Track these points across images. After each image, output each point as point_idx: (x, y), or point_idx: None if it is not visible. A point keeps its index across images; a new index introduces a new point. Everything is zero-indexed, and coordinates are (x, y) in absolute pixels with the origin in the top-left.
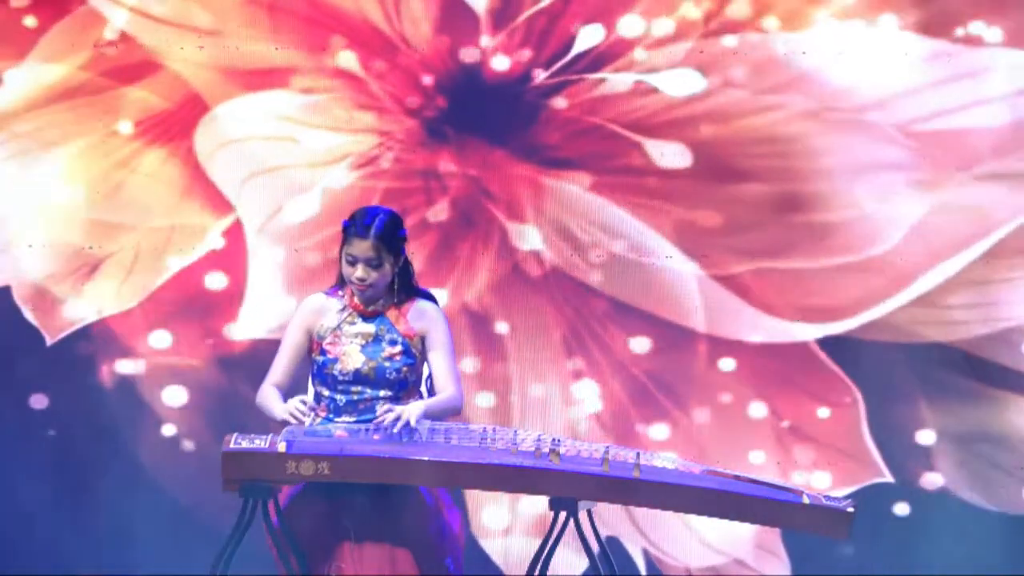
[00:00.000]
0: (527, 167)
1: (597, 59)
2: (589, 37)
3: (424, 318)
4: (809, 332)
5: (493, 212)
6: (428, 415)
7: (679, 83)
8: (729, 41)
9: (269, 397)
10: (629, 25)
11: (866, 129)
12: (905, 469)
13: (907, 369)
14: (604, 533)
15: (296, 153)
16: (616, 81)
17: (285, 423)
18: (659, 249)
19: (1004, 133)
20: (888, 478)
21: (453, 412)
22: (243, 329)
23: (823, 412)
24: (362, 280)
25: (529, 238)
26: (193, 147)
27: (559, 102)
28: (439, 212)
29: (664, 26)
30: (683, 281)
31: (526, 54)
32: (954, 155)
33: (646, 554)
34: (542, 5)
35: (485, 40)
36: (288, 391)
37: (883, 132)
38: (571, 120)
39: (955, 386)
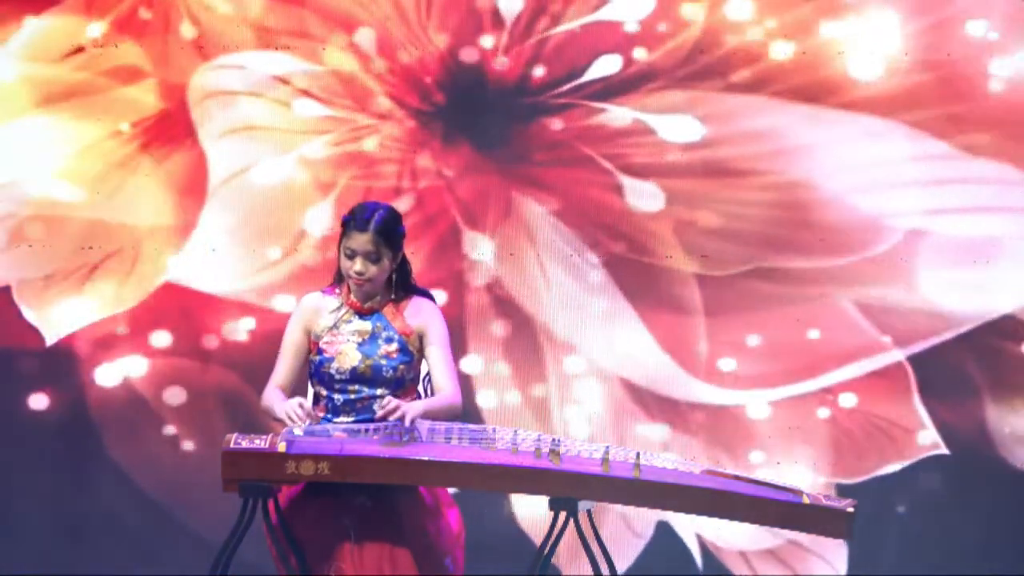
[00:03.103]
0: (503, 177)
1: (605, 89)
2: (604, 66)
3: (421, 315)
4: (814, 333)
5: (454, 214)
6: (427, 415)
7: (677, 128)
8: (739, 100)
9: (272, 398)
10: (644, 62)
11: (865, 128)
12: (960, 440)
13: (957, 344)
14: (655, 518)
15: (282, 117)
16: (616, 114)
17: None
18: (659, 249)
19: (976, 244)
20: (943, 450)
21: (454, 413)
22: (178, 271)
23: (872, 388)
24: (360, 274)
25: (481, 246)
26: (197, 137)
27: (555, 122)
28: (401, 205)
29: (678, 69)
30: (683, 281)
31: (537, 69)
32: (920, 255)
33: (699, 538)
34: (567, 26)
35: (501, 48)
36: (292, 391)
37: (882, 133)
38: (560, 142)
39: (1007, 353)
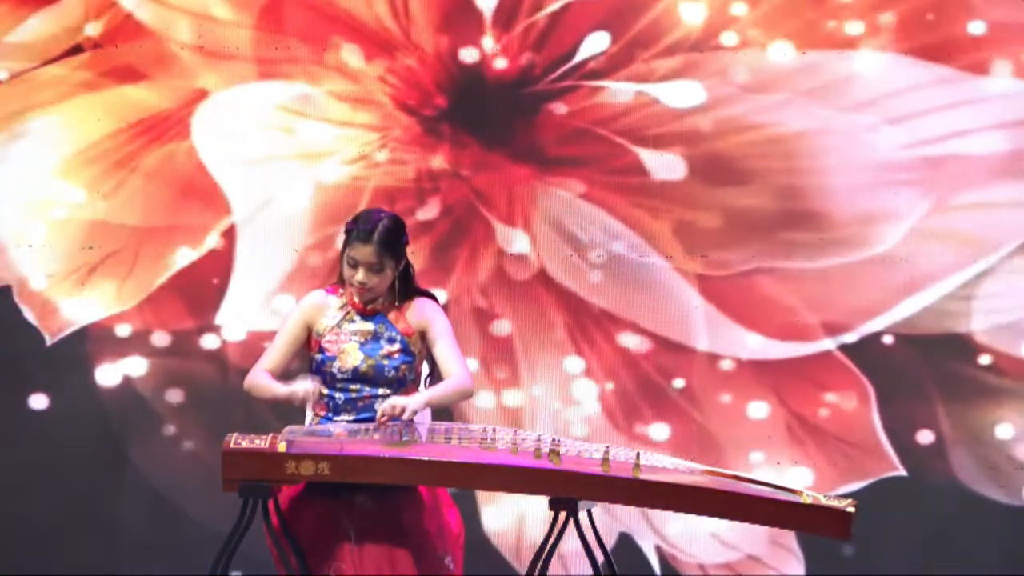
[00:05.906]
0: (521, 169)
1: (601, 67)
2: (594, 44)
3: (423, 314)
4: (812, 333)
5: (484, 213)
6: (432, 403)
7: (680, 94)
8: (731, 54)
9: (263, 379)
10: (633, 34)
11: (867, 128)
12: (917, 463)
13: (918, 360)
14: (616, 529)
15: (291, 144)
16: (617, 90)
17: (284, 408)
18: (659, 249)
19: (999, 161)
20: (901, 471)
21: (464, 394)
22: (225, 315)
23: (833, 406)
24: (363, 284)
25: (517, 241)
26: (193, 145)
27: (559, 107)
28: (429, 211)
29: (668, 37)
30: (683, 281)
31: (529, 57)
32: (947, 180)
33: (659, 551)
34: (550, 9)
35: (489, 41)
36: (278, 380)
37: (883, 132)
38: (569, 126)
39: (968, 377)
